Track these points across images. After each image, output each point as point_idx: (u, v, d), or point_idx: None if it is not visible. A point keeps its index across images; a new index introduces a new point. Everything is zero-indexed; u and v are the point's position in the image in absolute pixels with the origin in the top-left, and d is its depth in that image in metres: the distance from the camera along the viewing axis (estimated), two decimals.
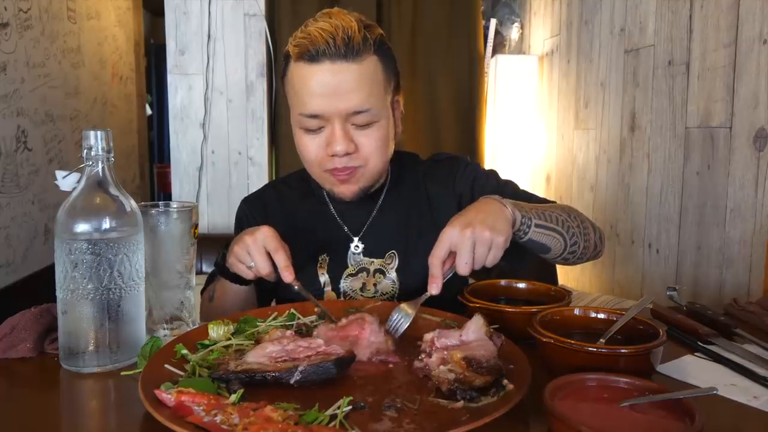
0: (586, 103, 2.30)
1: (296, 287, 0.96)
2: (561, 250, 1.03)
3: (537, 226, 0.98)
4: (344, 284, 1.16)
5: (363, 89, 1.02)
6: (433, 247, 0.90)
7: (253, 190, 1.32)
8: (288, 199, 1.24)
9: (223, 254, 1.05)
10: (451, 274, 0.91)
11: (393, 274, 1.15)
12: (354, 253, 1.17)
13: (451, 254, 0.89)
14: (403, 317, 0.90)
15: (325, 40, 0.99)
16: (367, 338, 0.84)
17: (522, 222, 0.96)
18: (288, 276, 0.95)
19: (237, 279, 1.05)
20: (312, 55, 1.01)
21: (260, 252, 0.95)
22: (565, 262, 1.08)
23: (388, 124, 1.09)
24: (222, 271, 1.07)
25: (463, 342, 0.81)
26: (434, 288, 0.89)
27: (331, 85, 1.01)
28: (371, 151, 1.07)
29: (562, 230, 1.02)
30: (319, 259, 1.17)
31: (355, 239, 1.18)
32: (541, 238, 0.99)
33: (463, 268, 0.88)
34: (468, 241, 0.87)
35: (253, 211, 1.25)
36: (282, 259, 0.95)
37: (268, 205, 1.25)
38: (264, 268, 0.95)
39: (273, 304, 1.22)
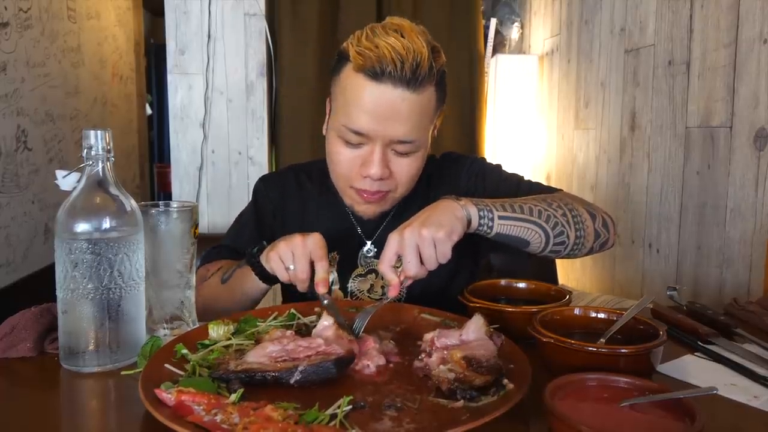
0: (586, 102, 2.30)
1: (326, 301, 0.94)
2: (543, 243, 0.97)
3: (501, 218, 0.93)
4: (352, 284, 1.16)
5: (413, 121, 1.00)
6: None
7: (256, 181, 1.31)
8: (306, 189, 1.23)
9: (260, 248, 1.01)
10: (410, 280, 0.90)
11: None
12: (365, 256, 1.17)
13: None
14: (361, 319, 0.89)
15: (394, 60, 0.95)
16: (373, 346, 0.84)
17: (480, 216, 0.92)
18: (322, 288, 0.93)
19: (265, 277, 1.02)
20: (375, 73, 0.97)
21: (305, 257, 0.93)
22: (558, 254, 1.01)
23: (424, 153, 1.08)
24: (253, 263, 1.03)
25: (463, 342, 0.81)
26: (392, 291, 0.89)
27: (385, 109, 0.98)
28: (404, 179, 1.06)
29: (538, 220, 0.96)
30: (330, 256, 1.16)
31: (368, 243, 1.17)
32: (512, 230, 0.94)
33: (409, 269, 0.87)
34: (408, 242, 0.87)
35: (269, 189, 1.24)
36: (322, 270, 0.93)
37: (286, 187, 1.24)
38: (302, 273, 0.93)
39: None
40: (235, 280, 1.05)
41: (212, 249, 1.23)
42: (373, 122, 1.00)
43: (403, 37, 0.97)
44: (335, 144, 1.06)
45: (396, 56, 0.95)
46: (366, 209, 1.10)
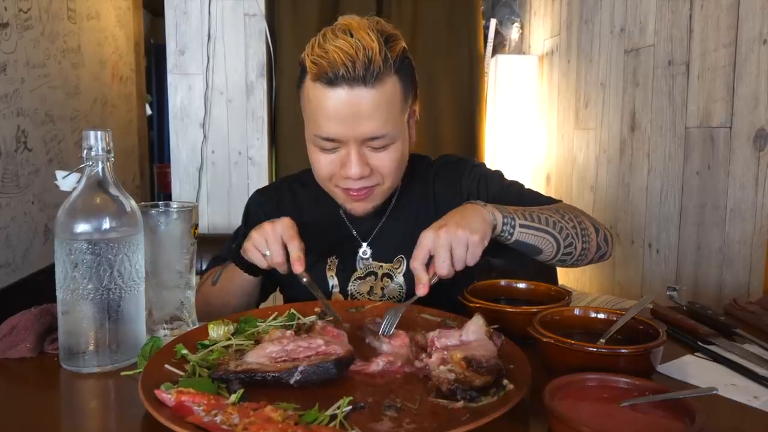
0: (586, 103, 2.30)
1: (305, 279, 0.96)
2: (554, 252, 1.02)
3: (522, 226, 0.97)
4: (352, 287, 1.16)
5: (380, 115, 1.00)
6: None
7: (253, 191, 1.32)
8: (300, 198, 1.25)
9: (239, 242, 1.05)
10: (436, 278, 0.90)
11: (400, 279, 1.15)
12: (362, 258, 1.17)
13: (433, 257, 0.89)
14: (392, 317, 0.90)
15: (344, 62, 0.96)
16: (405, 342, 0.85)
17: (504, 223, 0.95)
18: (298, 267, 0.95)
19: (249, 268, 1.05)
20: (330, 79, 0.97)
21: (277, 240, 0.96)
22: (563, 264, 1.06)
23: (403, 143, 1.08)
24: (236, 258, 1.06)
25: (463, 342, 0.81)
26: (421, 289, 0.89)
27: (347, 111, 0.99)
28: (387, 172, 1.07)
29: (553, 231, 1.00)
30: (328, 261, 1.18)
31: (364, 245, 1.18)
32: (529, 238, 0.98)
33: (442, 268, 0.88)
34: (443, 241, 0.87)
35: (264, 203, 1.26)
36: (295, 249, 0.95)
37: (281, 200, 1.25)
38: (277, 257, 0.96)
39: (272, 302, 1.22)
40: (225, 279, 1.10)
41: (212, 260, 1.27)
42: (340, 127, 1.00)
43: (351, 36, 0.98)
44: (313, 152, 1.08)
45: (346, 58, 0.96)
46: (357, 207, 1.11)
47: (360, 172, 1.03)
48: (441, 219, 0.92)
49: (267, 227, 0.98)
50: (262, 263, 0.99)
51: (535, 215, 1.00)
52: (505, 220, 0.96)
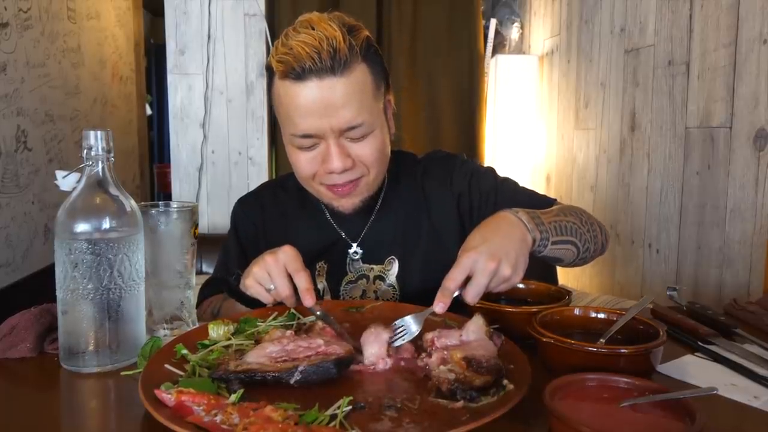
0: (586, 103, 2.30)
1: (318, 312, 0.89)
2: (573, 259, 1.01)
3: (554, 243, 0.94)
4: (344, 292, 1.14)
5: (354, 103, 0.98)
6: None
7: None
8: (284, 203, 1.22)
9: (237, 275, 0.99)
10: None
11: (392, 280, 1.13)
12: (353, 260, 1.15)
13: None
14: (406, 331, 0.84)
15: (310, 55, 0.94)
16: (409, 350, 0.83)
17: (540, 243, 0.91)
18: (309, 300, 0.88)
19: (252, 303, 0.99)
20: (298, 74, 0.96)
21: (281, 273, 0.89)
22: (573, 266, 1.06)
23: (382, 132, 1.05)
24: (234, 292, 1.02)
25: (463, 342, 0.81)
26: (440, 307, 0.81)
27: (320, 103, 0.97)
28: (370, 161, 1.04)
29: (576, 239, 0.99)
30: (317, 266, 1.15)
31: (354, 245, 1.15)
32: (556, 252, 0.96)
33: (473, 296, 0.81)
34: (489, 274, 0.81)
35: (248, 211, 1.23)
36: (304, 281, 0.88)
37: (265, 206, 1.22)
38: (284, 290, 0.89)
39: None
40: (227, 309, 1.06)
41: (204, 286, 1.21)
42: (315, 121, 0.98)
43: (313, 29, 0.96)
44: (293, 153, 1.06)
45: (311, 50, 0.95)
46: (345, 202, 1.08)
47: (342, 165, 1.01)
48: (488, 241, 0.84)
49: (268, 259, 0.90)
50: (267, 299, 0.92)
51: (563, 225, 0.96)
52: (541, 240, 0.91)
